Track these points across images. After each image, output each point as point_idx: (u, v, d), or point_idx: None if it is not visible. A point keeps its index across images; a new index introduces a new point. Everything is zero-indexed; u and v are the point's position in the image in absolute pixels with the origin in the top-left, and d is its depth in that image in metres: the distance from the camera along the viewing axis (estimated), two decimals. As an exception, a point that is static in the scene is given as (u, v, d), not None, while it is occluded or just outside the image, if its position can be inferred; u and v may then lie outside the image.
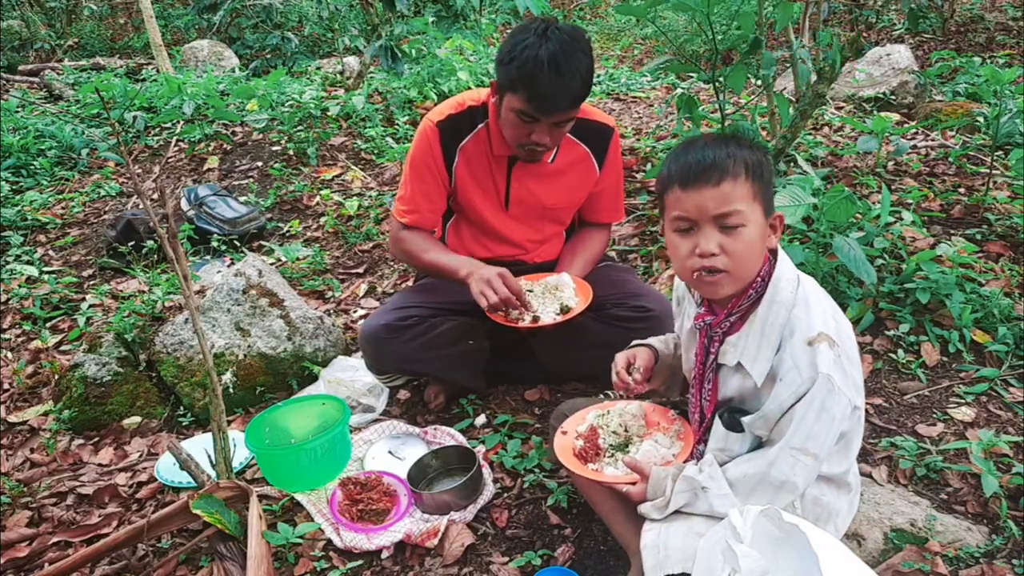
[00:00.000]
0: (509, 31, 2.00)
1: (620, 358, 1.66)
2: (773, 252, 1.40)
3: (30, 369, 2.76)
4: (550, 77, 1.85)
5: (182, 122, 4.84)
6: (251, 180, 4.23)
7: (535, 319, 2.00)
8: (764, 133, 4.04)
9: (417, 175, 2.15)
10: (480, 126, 2.12)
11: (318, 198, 3.97)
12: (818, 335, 1.30)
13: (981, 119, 3.75)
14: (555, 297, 2.05)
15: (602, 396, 2.18)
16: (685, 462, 1.47)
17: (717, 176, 1.29)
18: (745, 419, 1.38)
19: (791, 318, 1.34)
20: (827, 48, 2.86)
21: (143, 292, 2.98)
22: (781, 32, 3.27)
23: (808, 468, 1.32)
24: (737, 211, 1.30)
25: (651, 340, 1.71)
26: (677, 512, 1.38)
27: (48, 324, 3.08)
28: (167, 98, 4.93)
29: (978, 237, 2.81)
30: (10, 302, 3.20)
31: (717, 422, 1.45)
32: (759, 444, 1.41)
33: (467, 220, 2.27)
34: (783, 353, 1.33)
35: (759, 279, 1.36)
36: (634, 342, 1.72)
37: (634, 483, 1.45)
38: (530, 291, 2.08)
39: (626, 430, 1.63)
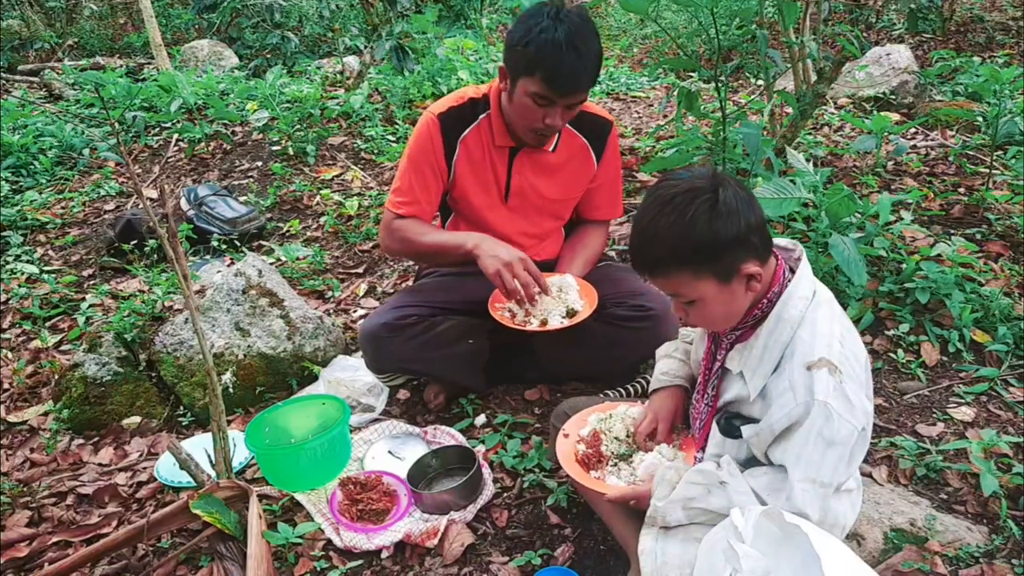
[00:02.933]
0: (514, 20, 2.02)
1: (646, 424, 1.60)
2: (792, 267, 1.39)
3: (30, 369, 2.76)
4: (570, 57, 1.87)
5: (182, 121, 4.84)
6: (251, 180, 4.23)
7: (543, 322, 1.99)
8: (764, 133, 4.05)
9: (415, 168, 2.14)
10: (482, 117, 2.12)
11: (318, 198, 3.96)
12: (819, 360, 1.28)
13: (980, 119, 3.76)
14: (560, 299, 2.05)
15: (603, 396, 2.18)
16: None
17: (648, 273, 1.36)
18: (745, 430, 1.38)
19: (794, 338, 1.32)
20: (830, 47, 2.88)
21: (143, 292, 2.98)
22: (782, 32, 3.27)
23: (820, 496, 1.29)
24: (679, 293, 1.34)
25: (678, 367, 1.66)
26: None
27: (48, 324, 3.07)
28: (167, 98, 4.93)
29: (978, 237, 2.81)
30: (10, 302, 3.19)
31: (715, 427, 1.45)
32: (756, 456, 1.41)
33: (464, 218, 2.26)
34: (781, 373, 1.32)
35: (765, 300, 1.36)
36: (662, 381, 1.66)
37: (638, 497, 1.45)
38: None
39: (628, 435, 1.63)
